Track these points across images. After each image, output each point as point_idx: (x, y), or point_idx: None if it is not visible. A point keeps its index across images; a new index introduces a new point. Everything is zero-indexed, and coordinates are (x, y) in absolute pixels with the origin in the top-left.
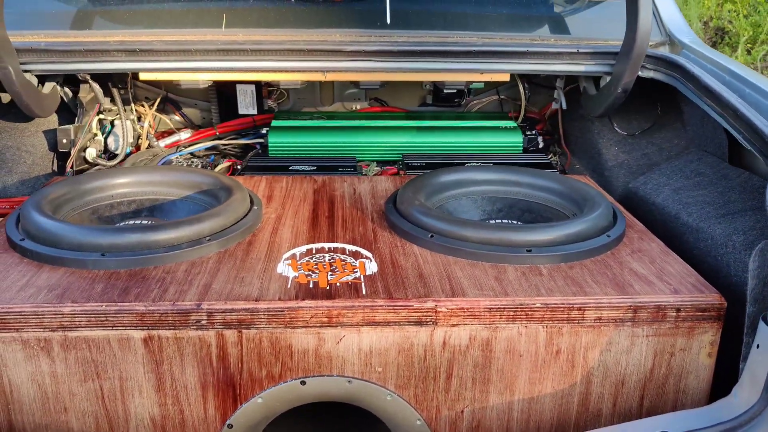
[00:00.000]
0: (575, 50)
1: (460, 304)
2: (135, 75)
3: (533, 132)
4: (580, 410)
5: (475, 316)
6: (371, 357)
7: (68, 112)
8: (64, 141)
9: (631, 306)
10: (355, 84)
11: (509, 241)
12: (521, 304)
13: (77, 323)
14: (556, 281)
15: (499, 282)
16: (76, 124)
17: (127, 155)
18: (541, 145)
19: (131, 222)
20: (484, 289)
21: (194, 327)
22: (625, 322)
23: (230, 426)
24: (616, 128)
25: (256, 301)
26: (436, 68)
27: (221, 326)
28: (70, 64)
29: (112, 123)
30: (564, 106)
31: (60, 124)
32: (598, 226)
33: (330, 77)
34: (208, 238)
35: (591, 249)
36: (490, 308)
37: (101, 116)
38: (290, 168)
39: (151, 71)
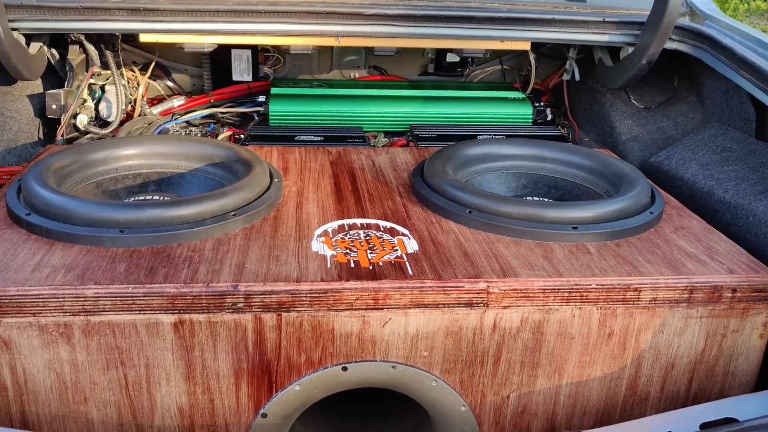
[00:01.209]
0: (601, 19)
1: (513, 285)
2: (125, 37)
3: (541, 104)
4: (628, 394)
5: (529, 297)
6: (417, 341)
7: (53, 75)
8: (54, 107)
9: (687, 286)
10: (369, 50)
11: (554, 218)
12: (576, 285)
13: (101, 307)
14: (607, 260)
15: (549, 261)
16: (66, 88)
17: (120, 123)
18: (549, 117)
19: (140, 198)
20: (535, 268)
21: (230, 310)
22: (680, 302)
23: (264, 415)
24: (633, 101)
25: (297, 282)
26: (456, 35)
27: (259, 309)
28: (65, 22)
29: (102, 88)
30: (577, 77)
31: (45, 89)
32: (640, 203)
33: (344, 42)
34: (233, 213)
35: (636, 226)
36: (544, 289)
37: (92, 80)
38: (296, 138)
39: (154, 33)
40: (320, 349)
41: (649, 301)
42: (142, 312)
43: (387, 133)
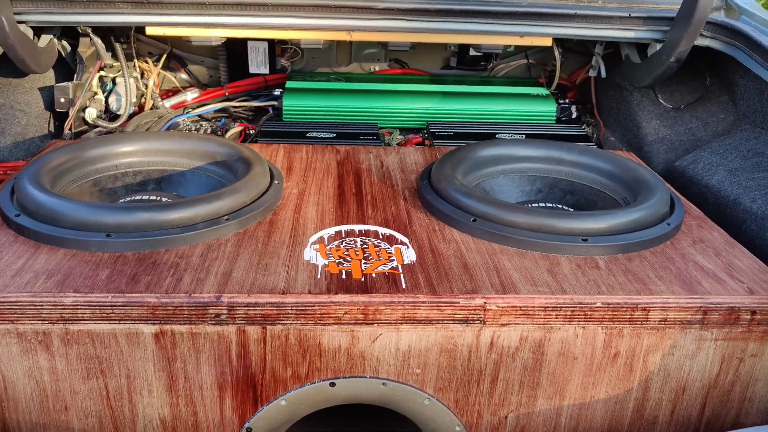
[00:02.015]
0: (626, 14)
1: (512, 302)
2: (139, 28)
3: (566, 101)
4: (635, 417)
5: (528, 315)
6: (409, 357)
7: (66, 68)
8: (62, 100)
9: (701, 307)
10: (383, 45)
11: (563, 229)
12: (580, 303)
13: (80, 315)
14: (616, 276)
15: (553, 276)
16: (75, 81)
17: (130, 116)
18: (574, 115)
19: (137, 198)
20: (538, 284)
21: (213, 322)
22: (693, 324)
23: (249, 429)
24: (661, 101)
25: (283, 294)
26: (473, 30)
27: (243, 321)
28: (70, 15)
29: (113, 81)
30: (603, 74)
31: (57, 82)
32: (657, 213)
33: (356, 37)
34: (226, 218)
35: (651, 239)
36: (545, 307)
37: (102, 73)
38: (308, 135)
39: (159, 26)
40: (307, 364)
41: (659, 321)
42: (121, 322)
43: (403, 130)
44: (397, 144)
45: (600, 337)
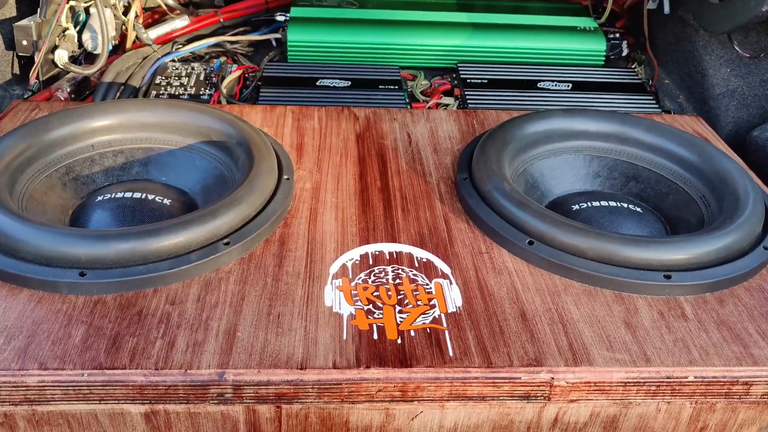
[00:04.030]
0: None
1: (586, 377)
2: None
3: (616, 35)
4: None
5: (604, 391)
6: None
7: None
8: (24, 43)
9: None
10: None
11: (642, 261)
12: (668, 378)
13: (49, 396)
14: (709, 332)
15: (632, 332)
16: (37, 18)
17: (109, 56)
18: (624, 52)
19: (118, 195)
20: (615, 346)
21: (215, 401)
22: None
23: None
24: (736, 47)
25: (301, 370)
26: None
27: (253, 401)
28: None
29: (87, 11)
30: (667, 10)
31: (18, 16)
32: (753, 234)
33: None
34: (226, 242)
35: (745, 272)
36: (624, 382)
37: (73, 2)
38: (318, 82)
39: None
40: None
41: (761, 395)
42: (102, 402)
43: (428, 71)
44: (422, 93)
45: (687, 411)
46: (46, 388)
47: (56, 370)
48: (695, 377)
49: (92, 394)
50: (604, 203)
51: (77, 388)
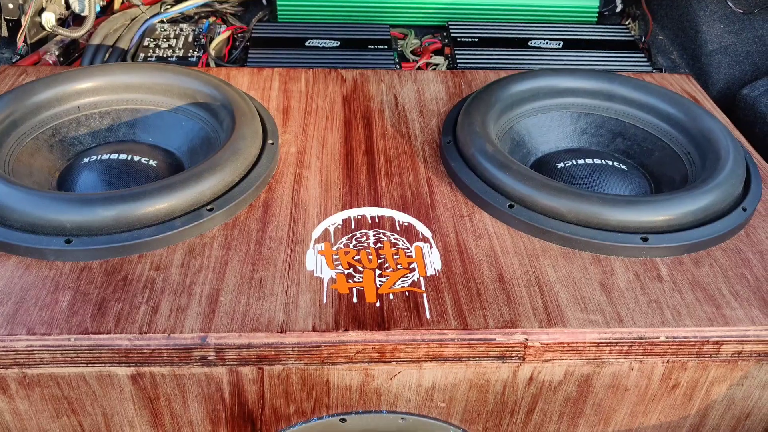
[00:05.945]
0: None
1: (559, 338)
2: None
3: None
4: None
5: (577, 351)
6: (433, 393)
7: None
8: (10, 6)
9: None
10: None
11: (618, 224)
12: (640, 338)
13: (38, 360)
14: (683, 293)
15: (607, 294)
16: None
17: (97, 17)
18: (618, 8)
19: (104, 157)
20: (589, 307)
21: (199, 363)
22: None
23: None
24: (730, 3)
25: (281, 333)
26: None
27: (235, 363)
28: None
29: None
30: None
31: None
32: (732, 195)
33: None
34: (209, 207)
35: (723, 233)
36: (597, 343)
37: None
38: (306, 43)
39: None
40: (313, 400)
41: (731, 354)
42: (89, 365)
43: (419, 30)
44: (412, 52)
45: (659, 370)
46: (35, 352)
47: (44, 335)
48: (667, 337)
49: (79, 357)
50: (589, 161)
51: (64, 352)
